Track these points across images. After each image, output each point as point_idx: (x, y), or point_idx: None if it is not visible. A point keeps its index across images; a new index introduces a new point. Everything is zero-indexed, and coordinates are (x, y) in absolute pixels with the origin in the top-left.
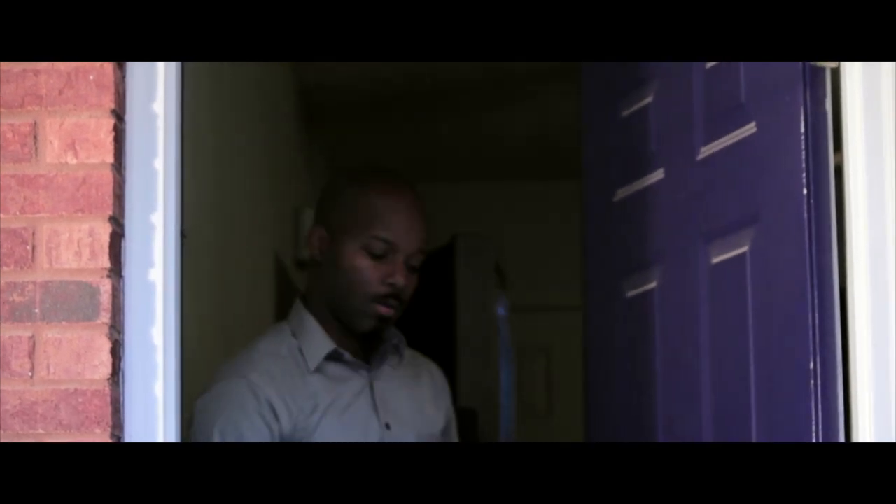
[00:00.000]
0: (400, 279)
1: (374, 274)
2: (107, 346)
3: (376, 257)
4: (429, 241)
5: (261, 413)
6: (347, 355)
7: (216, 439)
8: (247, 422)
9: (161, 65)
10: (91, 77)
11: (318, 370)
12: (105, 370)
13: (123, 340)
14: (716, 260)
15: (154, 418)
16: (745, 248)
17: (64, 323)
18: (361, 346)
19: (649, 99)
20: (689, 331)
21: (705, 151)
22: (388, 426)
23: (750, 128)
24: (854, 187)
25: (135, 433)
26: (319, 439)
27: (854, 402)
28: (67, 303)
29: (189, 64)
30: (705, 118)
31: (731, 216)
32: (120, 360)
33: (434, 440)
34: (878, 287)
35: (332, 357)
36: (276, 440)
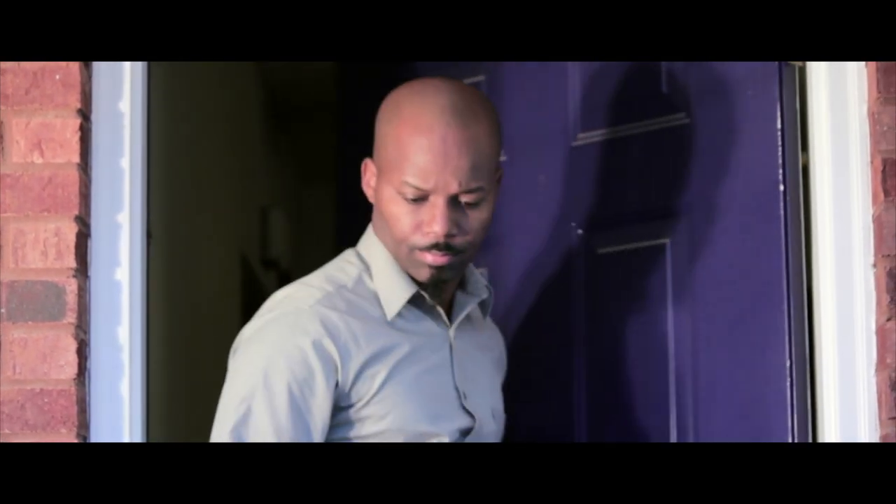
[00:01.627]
0: (437, 226)
1: (410, 221)
2: (73, 345)
3: (412, 201)
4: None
5: (323, 364)
6: (429, 300)
7: (279, 386)
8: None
9: (127, 64)
10: (57, 77)
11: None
12: (71, 370)
13: (89, 340)
14: (603, 250)
15: (120, 418)
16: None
17: (30, 323)
18: (437, 292)
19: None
20: (563, 321)
21: (584, 139)
22: (465, 395)
23: (679, 118)
24: (820, 185)
25: (101, 433)
26: (386, 398)
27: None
28: (33, 302)
29: (155, 63)
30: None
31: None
32: (86, 359)
33: (503, 420)
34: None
35: (412, 301)
36: (332, 395)
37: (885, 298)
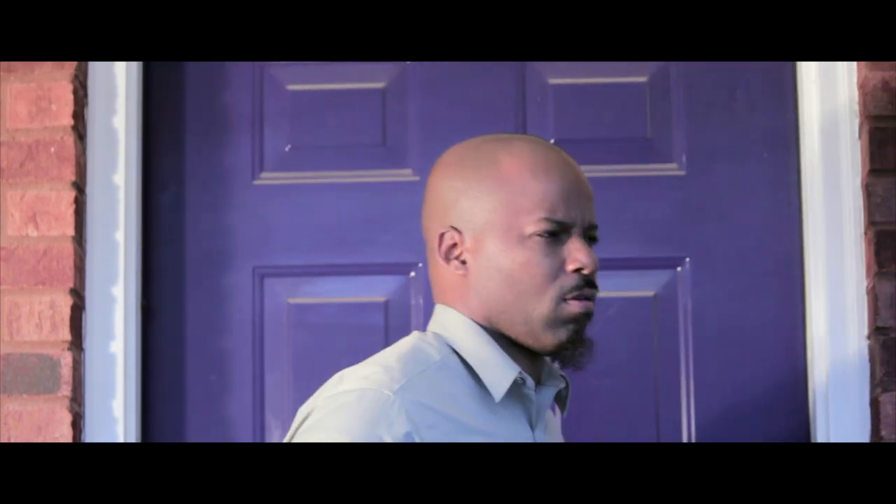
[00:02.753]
0: (584, 256)
1: (551, 263)
2: (67, 418)
3: (549, 243)
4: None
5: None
6: (531, 382)
7: None
8: None
9: (121, 136)
10: (52, 149)
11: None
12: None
13: (84, 413)
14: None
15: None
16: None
17: (25, 395)
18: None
19: None
20: None
21: None
22: None
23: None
24: (814, 257)
25: None
26: None
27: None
28: (28, 375)
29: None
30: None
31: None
32: (80, 432)
33: None
34: (837, 358)
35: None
36: None
37: (880, 371)
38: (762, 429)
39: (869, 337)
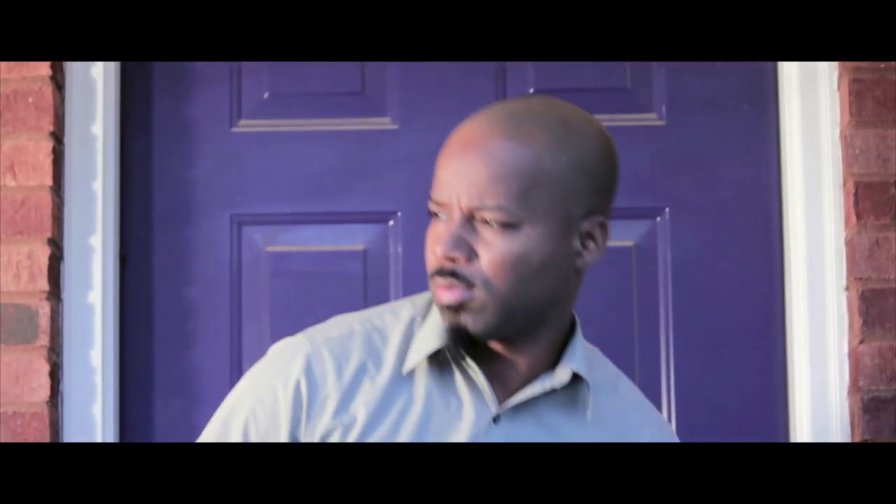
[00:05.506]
0: (439, 244)
1: (429, 242)
2: (45, 368)
3: (437, 220)
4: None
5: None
6: (469, 363)
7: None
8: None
9: (99, 86)
10: (30, 99)
11: (419, 375)
12: (44, 393)
13: (62, 363)
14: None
15: (93, 440)
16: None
17: (3, 346)
18: (485, 356)
19: None
20: None
21: None
22: None
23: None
24: (793, 209)
25: None
26: None
27: (793, 424)
28: (6, 325)
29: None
30: None
31: None
32: (59, 382)
33: None
34: (815, 307)
35: (441, 360)
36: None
37: (858, 321)
38: (740, 380)
39: (847, 288)
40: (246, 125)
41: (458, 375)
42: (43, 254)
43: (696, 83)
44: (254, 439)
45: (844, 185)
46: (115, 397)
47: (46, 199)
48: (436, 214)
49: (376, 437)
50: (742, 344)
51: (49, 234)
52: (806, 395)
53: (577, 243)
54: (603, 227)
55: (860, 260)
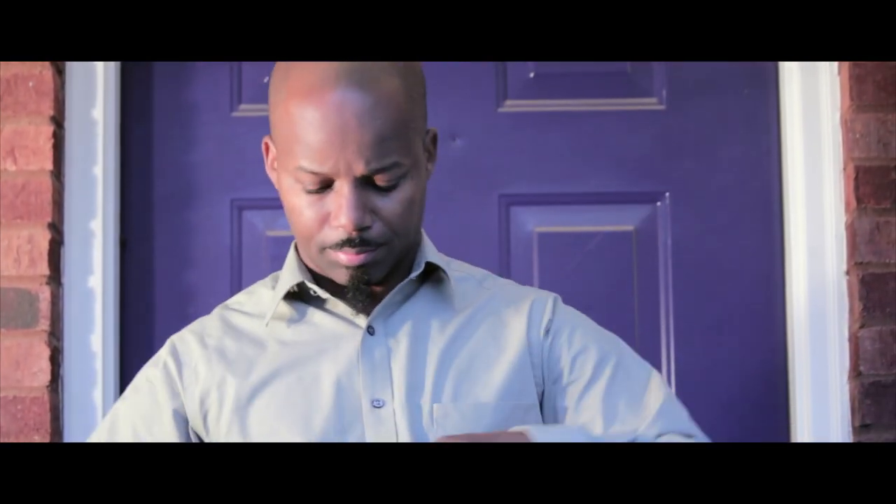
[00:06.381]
0: (344, 218)
1: (313, 214)
2: (46, 353)
3: (315, 192)
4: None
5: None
6: (321, 291)
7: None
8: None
9: (100, 71)
10: (30, 84)
11: (283, 320)
12: (44, 377)
13: (63, 347)
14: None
15: (93, 425)
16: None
17: (3, 330)
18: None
19: None
20: None
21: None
22: (376, 403)
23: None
24: (793, 193)
25: (74, 440)
26: (246, 426)
27: (793, 409)
28: (6, 310)
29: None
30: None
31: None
32: (59, 367)
33: (487, 423)
34: (815, 292)
35: (299, 297)
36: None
37: (858, 306)
38: (741, 365)
39: (848, 272)
40: (246, 110)
41: (320, 312)
42: (43, 238)
43: (696, 68)
44: (140, 424)
45: (845, 169)
46: (116, 382)
47: (47, 183)
48: (308, 188)
49: (252, 381)
50: (742, 328)
51: (49, 219)
52: (806, 380)
53: (426, 162)
54: (434, 136)
55: (860, 244)
